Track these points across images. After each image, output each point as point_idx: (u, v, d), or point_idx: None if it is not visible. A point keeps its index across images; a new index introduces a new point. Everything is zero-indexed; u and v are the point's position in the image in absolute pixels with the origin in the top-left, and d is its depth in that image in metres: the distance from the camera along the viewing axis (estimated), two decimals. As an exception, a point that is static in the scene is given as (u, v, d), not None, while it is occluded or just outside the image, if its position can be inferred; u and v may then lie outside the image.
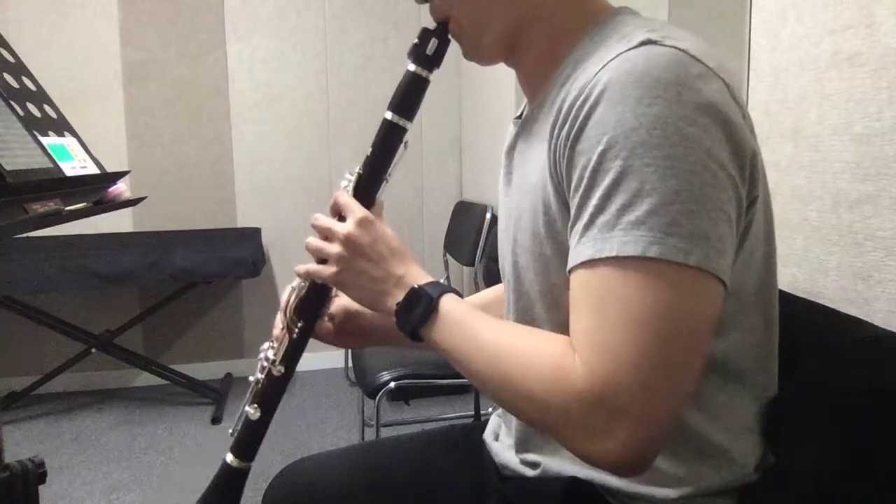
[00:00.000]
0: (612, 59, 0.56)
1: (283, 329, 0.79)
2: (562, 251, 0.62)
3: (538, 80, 0.71)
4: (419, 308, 0.66)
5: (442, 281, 0.73)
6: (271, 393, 0.79)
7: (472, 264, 2.42)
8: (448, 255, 2.92)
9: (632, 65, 0.55)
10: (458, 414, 2.61)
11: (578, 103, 0.57)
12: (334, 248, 0.71)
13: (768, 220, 0.64)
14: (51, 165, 0.77)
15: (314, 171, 3.13)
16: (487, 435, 0.86)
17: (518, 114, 0.79)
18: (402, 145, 0.74)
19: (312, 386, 3.00)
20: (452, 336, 0.64)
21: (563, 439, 0.56)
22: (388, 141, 0.73)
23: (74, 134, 0.88)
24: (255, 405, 0.78)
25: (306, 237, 0.76)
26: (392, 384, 1.75)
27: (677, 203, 0.52)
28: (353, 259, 0.70)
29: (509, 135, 0.78)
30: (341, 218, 0.72)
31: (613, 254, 0.53)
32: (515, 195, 0.72)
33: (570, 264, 0.58)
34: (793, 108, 1.00)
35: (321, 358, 3.19)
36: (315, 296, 0.78)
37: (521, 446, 0.76)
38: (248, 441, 0.79)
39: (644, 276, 0.52)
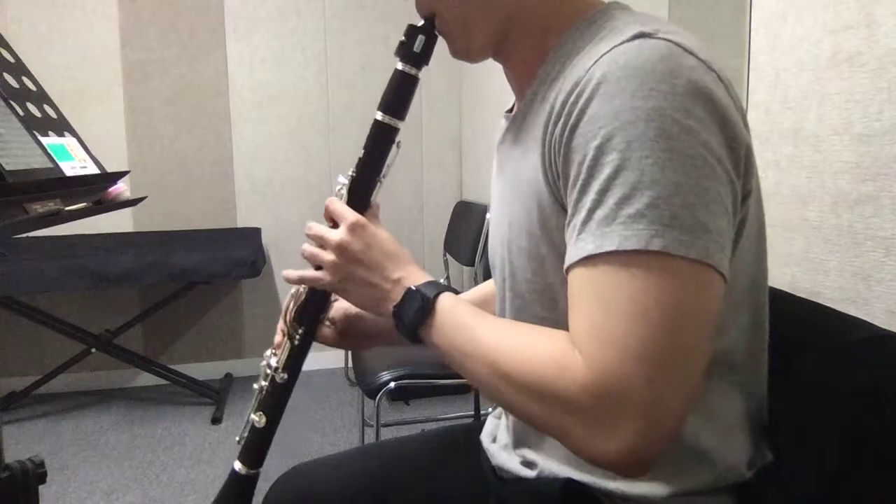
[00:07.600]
0: (604, 54, 0.56)
1: (284, 336, 0.79)
2: (557, 250, 0.61)
3: (526, 75, 0.70)
4: (416, 309, 0.66)
5: (442, 281, 0.73)
6: (276, 400, 0.79)
7: (472, 264, 2.42)
8: (448, 255, 2.92)
9: (626, 58, 0.54)
10: (458, 414, 2.60)
11: (572, 99, 0.57)
12: (328, 256, 0.71)
13: (760, 219, 0.64)
14: (51, 165, 0.77)
15: (314, 171, 3.13)
16: (484, 437, 0.86)
17: (509, 108, 0.78)
18: (394, 146, 0.73)
19: (312, 386, 2.99)
20: (451, 337, 0.64)
21: (565, 436, 0.55)
22: (380, 142, 0.73)
23: (74, 134, 0.88)
24: (261, 412, 0.78)
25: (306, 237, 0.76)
26: (392, 384, 1.75)
27: (678, 196, 0.51)
28: (348, 266, 0.70)
29: (500, 129, 0.77)
30: (335, 224, 0.72)
31: (614, 248, 0.52)
32: (508, 194, 0.72)
33: (568, 261, 0.57)
34: (793, 108, 1.00)
35: (321, 358, 3.18)
36: (314, 301, 0.78)
37: (518, 443, 0.76)
38: (255, 448, 0.79)
39: (647, 269, 0.52)
